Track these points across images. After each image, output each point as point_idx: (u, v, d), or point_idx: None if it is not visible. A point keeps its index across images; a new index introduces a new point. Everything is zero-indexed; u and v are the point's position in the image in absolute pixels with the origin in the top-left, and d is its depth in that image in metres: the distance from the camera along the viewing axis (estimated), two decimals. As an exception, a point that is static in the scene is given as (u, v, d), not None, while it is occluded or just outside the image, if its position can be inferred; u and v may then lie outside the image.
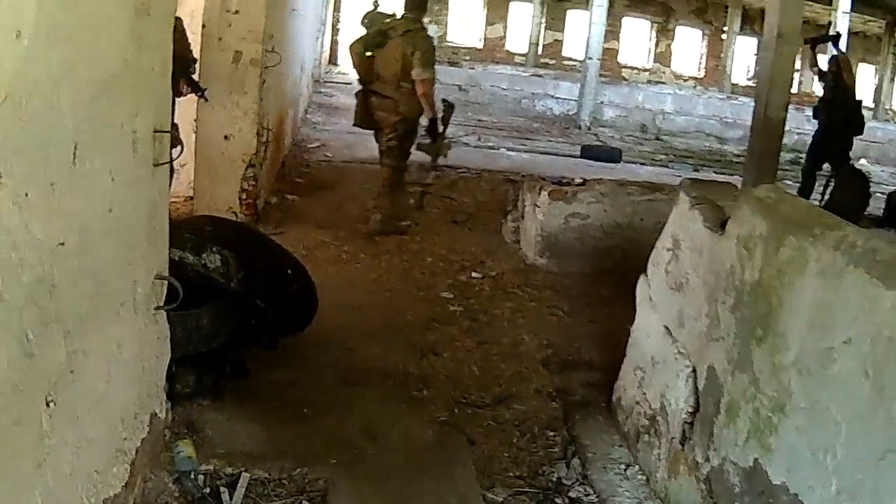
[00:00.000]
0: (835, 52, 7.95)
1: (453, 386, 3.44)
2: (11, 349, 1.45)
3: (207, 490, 2.48)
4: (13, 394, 1.46)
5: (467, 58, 19.27)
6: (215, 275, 3.12)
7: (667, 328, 2.81)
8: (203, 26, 4.95)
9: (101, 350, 1.97)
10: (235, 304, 3.18)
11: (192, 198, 5.41)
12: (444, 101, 5.86)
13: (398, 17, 5.57)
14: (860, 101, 7.95)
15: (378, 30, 5.49)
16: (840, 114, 7.64)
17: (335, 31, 20.11)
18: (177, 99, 5.14)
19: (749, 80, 21.66)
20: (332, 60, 19.96)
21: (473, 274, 5.02)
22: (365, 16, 14.47)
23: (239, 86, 5.06)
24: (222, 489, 2.49)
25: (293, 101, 8.18)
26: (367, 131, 5.74)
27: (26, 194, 1.45)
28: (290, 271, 3.47)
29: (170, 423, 2.75)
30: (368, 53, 5.49)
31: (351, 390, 3.28)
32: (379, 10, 13.77)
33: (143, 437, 2.37)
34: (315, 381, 3.31)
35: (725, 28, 20.53)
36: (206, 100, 4.91)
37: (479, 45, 20.75)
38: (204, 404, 2.95)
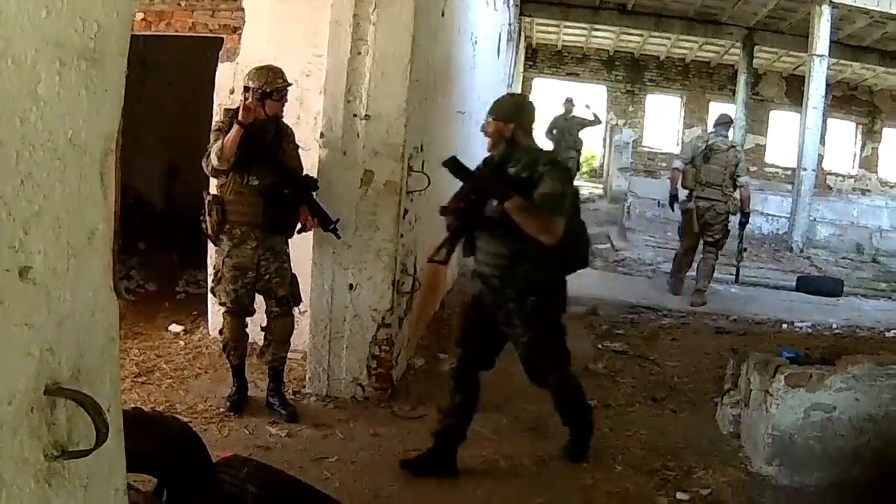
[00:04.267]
0: None
1: None
2: None
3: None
4: None
5: (664, 164, 17.33)
6: None
7: None
8: (321, 135, 3.63)
9: None
10: None
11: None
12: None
13: (711, 135, 7.09)
14: None
15: (706, 148, 6.89)
16: None
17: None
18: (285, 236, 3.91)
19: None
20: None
21: (679, 495, 3.30)
22: (552, 126, 12.74)
23: (368, 218, 3.66)
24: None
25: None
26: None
27: None
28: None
29: None
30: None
31: None
32: (572, 114, 12.01)
33: None
34: None
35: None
36: (339, 236, 3.72)
37: (676, 151, 18.61)
38: None
